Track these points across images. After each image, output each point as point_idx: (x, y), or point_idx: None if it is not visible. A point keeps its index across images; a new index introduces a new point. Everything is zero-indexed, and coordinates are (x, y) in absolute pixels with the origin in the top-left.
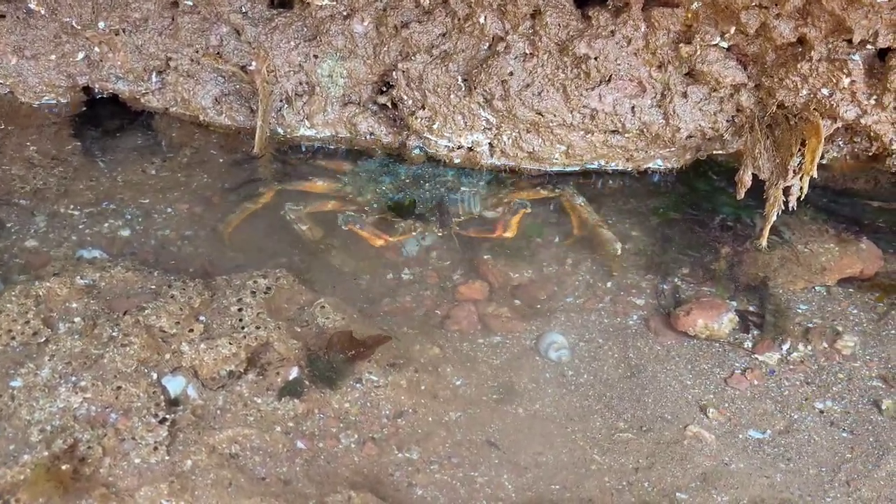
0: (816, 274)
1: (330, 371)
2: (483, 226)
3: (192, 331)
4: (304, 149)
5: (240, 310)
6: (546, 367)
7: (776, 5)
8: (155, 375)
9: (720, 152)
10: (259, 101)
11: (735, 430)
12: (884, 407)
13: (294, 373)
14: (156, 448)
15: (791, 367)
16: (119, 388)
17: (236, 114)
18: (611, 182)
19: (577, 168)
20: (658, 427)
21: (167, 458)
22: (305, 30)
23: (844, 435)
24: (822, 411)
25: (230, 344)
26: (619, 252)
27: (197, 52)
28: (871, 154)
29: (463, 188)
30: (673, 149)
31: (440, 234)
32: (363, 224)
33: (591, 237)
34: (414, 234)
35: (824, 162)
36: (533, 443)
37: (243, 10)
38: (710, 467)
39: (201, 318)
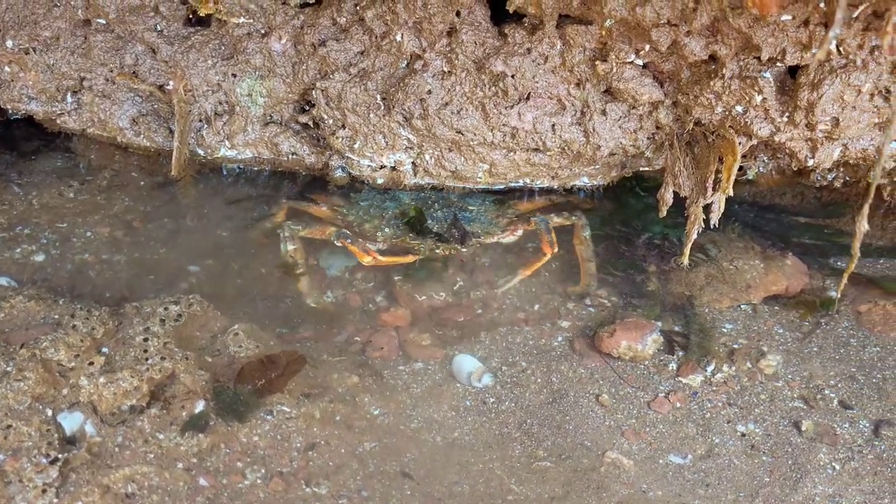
0: (742, 292)
1: (238, 403)
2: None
3: (92, 364)
4: (225, 171)
5: (145, 340)
6: (467, 395)
7: (685, 23)
8: (50, 412)
9: (646, 169)
10: (176, 121)
11: (655, 455)
12: (803, 428)
13: (200, 406)
14: (44, 490)
15: (714, 388)
16: (9, 427)
17: (155, 135)
18: (538, 199)
19: (502, 186)
20: (577, 454)
21: (55, 501)
22: (223, 48)
23: (764, 458)
24: (743, 434)
25: (132, 377)
26: (590, 292)
27: (112, 71)
28: (796, 169)
29: (471, 207)
30: (597, 166)
31: (463, 251)
32: (353, 239)
33: (578, 263)
34: (434, 250)
35: (750, 178)
36: (449, 472)
37: (158, 28)
38: (626, 495)
39: (104, 349)
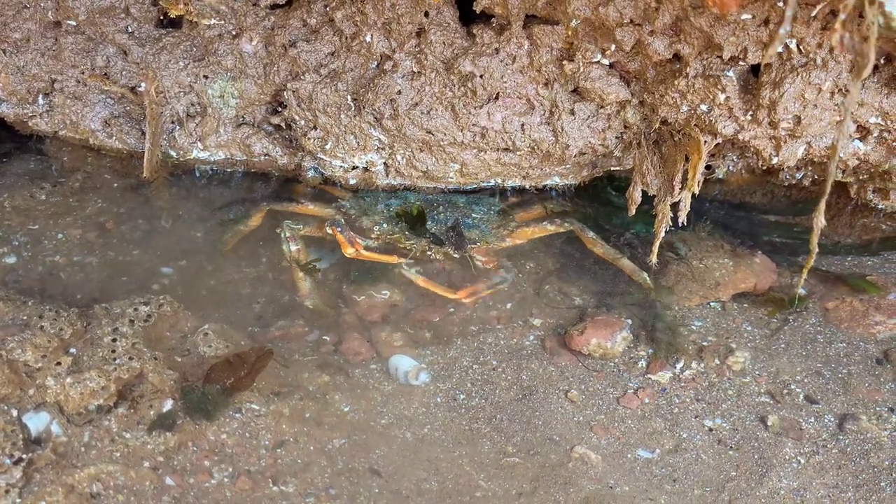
0: (711, 289)
1: (206, 402)
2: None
3: (59, 364)
4: (198, 173)
5: (114, 340)
6: (437, 392)
7: (648, 22)
8: (15, 413)
9: (618, 168)
10: (147, 123)
11: (624, 450)
12: (769, 423)
13: (168, 405)
14: (7, 491)
15: (682, 384)
16: None
17: (127, 136)
18: (510, 199)
19: (474, 186)
20: (546, 450)
21: (18, 501)
22: (194, 50)
23: (731, 453)
24: (711, 429)
25: (99, 377)
26: (649, 282)
27: (83, 73)
28: (764, 168)
29: (475, 214)
30: (567, 166)
31: (456, 256)
32: (344, 229)
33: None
34: (428, 253)
35: (720, 176)
36: (418, 469)
37: (129, 29)
38: (593, 490)
39: (71, 349)
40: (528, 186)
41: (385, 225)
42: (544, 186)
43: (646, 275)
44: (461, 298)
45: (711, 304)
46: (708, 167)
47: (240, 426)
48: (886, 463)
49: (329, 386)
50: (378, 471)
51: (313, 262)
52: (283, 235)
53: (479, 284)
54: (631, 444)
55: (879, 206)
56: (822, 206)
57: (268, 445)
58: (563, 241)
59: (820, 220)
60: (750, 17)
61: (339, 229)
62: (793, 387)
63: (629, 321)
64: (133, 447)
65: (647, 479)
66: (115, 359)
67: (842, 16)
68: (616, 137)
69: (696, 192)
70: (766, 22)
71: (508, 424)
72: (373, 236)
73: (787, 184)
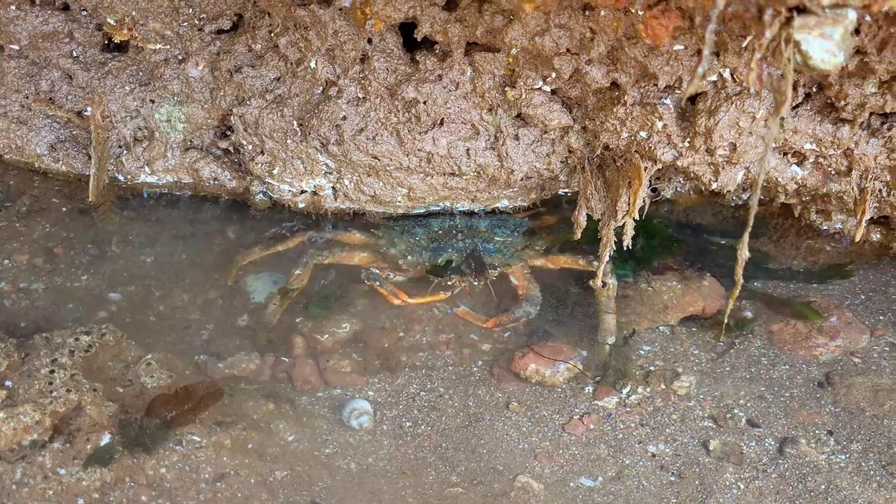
0: (660, 313)
1: (144, 435)
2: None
3: None
4: (146, 195)
5: (52, 372)
6: (384, 419)
7: (585, 52)
8: None
9: (567, 191)
10: (93, 147)
11: (567, 477)
12: (711, 448)
13: (105, 439)
14: None
15: (628, 410)
16: None
17: (74, 161)
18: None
19: (422, 210)
20: (489, 479)
21: None
22: (140, 74)
23: (672, 478)
24: (654, 454)
25: (34, 411)
26: (607, 346)
27: (27, 97)
28: (712, 190)
29: (497, 238)
30: (515, 189)
31: (477, 284)
32: (382, 282)
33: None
34: (453, 291)
35: (669, 197)
36: (359, 501)
37: (74, 54)
38: None
39: (6, 382)
40: (477, 209)
41: (410, 258)
42: (494, 209)
43: (612, 339)
44: (489, 327)
45: (660, 327)
46: (654, 190)
47: (180, 459)
48: (822, 487)
49: (274, 415)
50: (319, 503)
51: (294, 289)
52: (301, 259)
53: (503, 317)
54: (574, 471)
55: (823, 228)
56: (745, 238)
57: (208, 479)
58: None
59: (744, 253)
60: (682, 47)
61: (378, 283)
62: (736, 411)
63: (581, 351)
64: (67, 484)
65: None
66: (52, 391)
67: (757, 54)
68: (561, 162)
69: (637, 217)
70: (699, 52)
71: (454, 453)
72: (402, 267)
73: (734, 204)
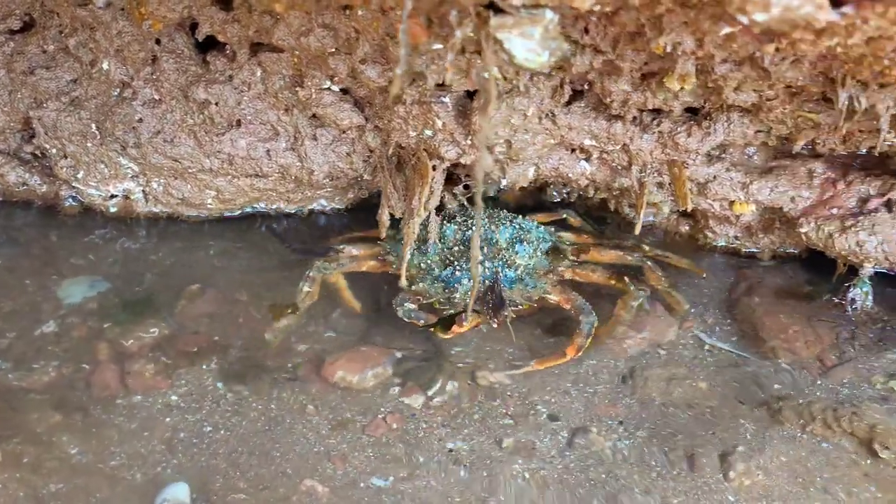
0: None
1: None
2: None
3: None
4: None
5: None
6: (183, 426)
7: (353, 52)
8: None
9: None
10: None
11: (359, 479)
12: (504, 445)
13: None
14: None
15: (432, 409)
16: None
17: None
18: (275, 225)
19: (237, 212)
20: (276, 484)
21: None
22: None
23: (462, 475)
24: (450, 451)
25: None
26: (685, 311)
27: None
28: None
29: (519, 260)
30: (328, 189)
31: (494, 326)
32: (422, 317)
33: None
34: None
35: (492, 194)
36: None
37: None
38: None
39: None
40: (294, 211)
41: (420, 284)
42: (312, 210)
43: (687, 307)
44: (573, 357)
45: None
46: (466, 187)
47: None
48: (603, 476)
49: (60, 426)
50: None
51: (291, 308)
52: (308, 273)
53: (578, 339)
54: (368, 472)
55: (635, 221)
56: (476, 238)
57: None
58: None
59: (476, 254)
60: (442, 46)
61: (420, 320)
62: (539, 406)
63: (395, 353)
64: None
65: None
66: None
67: (449, 56)
68: (364, 161)
69: (424, 215)
70: (463, 51)
71: (247, 458)
72: (416, 291)
73: (554, 201)
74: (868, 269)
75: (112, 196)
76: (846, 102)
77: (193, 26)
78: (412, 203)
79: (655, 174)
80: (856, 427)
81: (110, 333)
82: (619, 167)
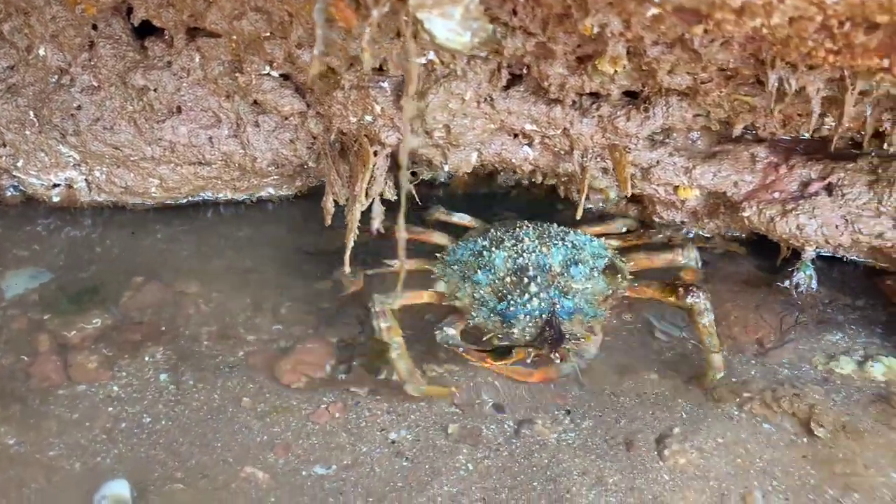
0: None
1: None
2: None
3: None
4: None
5: None
6: (124, 416)
7: (288, 36)
8: None
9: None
10: None
11: (300, 467)
12: (450, 431)
13: None
14: None
15: (378, 397)
16: None
17: None
18: (223, 211)
19: (183, 200)
20: (215, 472)
21: None
22: None
23: (405, 463)
24: (394, 441)
25: None
26: (716, 379)
27: None
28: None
29: (575, 284)
30: (274, 177)
31: (556, 360)
32: (465, 347)
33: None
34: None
35: (443, 180)
36: (71, 502)
37: None
38: None
39: None
40: (243, 198)
41: (476, 318)
42: (258, 198)
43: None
44: (535, 382)
45: (426, 316)
46: (414, 174)
47: None
48: (545, 462)
49: None
50: None
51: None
52: (372, 311)
53: (551, 373)
54: (310, 461)
55: (588, 207)
56: (402, 220)
57: None
58: (278, 250)
59: (402, 235)
60: (378, 31)
61: (462, 349)
62: (484, 396)
63: (334, 340)
64: None
65: (313, 494)
66: None
67: (367, 35)
68: (308, 148)
69: (365, 204)
70: (399, 34)
71: (188, 448)
72: (470, 324)
73: (510, 185)
74: (810, 253)
75: (54, 185)
76: (776, 84)
77: (130, 11)
78: (355, 188)
79: (598, 159)
80: (797, 408)
81: (52, 324)
82: (562, 152)
